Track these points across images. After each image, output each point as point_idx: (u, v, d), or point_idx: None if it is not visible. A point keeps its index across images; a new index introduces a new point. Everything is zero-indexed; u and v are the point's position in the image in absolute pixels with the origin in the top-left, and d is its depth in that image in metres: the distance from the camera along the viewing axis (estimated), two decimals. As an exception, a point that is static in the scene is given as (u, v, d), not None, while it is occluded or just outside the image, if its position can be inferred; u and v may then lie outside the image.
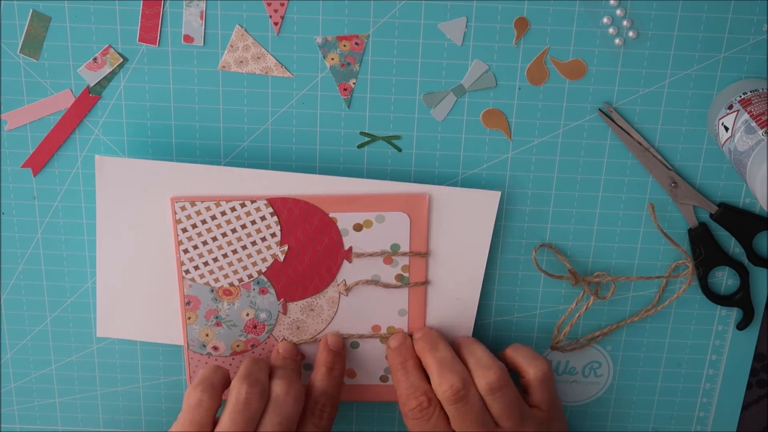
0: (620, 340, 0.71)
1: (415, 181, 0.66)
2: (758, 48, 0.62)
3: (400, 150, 0.66)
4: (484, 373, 0.63)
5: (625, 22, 0.62)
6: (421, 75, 0.63)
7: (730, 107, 0.61)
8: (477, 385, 0.63)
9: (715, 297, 0.69)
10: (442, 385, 0.63)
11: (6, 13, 0.62)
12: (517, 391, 0.64)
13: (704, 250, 0.68)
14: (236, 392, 0.62)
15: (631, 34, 0.62)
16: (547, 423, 0.65)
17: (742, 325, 0.70)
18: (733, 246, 0.68)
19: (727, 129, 0.60)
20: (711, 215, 0.67)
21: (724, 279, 0.69)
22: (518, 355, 0.67)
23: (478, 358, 0.65)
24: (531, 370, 0.65)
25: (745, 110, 0.59)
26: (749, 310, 0.69)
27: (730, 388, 0.73)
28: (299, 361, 0.69)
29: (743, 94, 0.61)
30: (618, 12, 0.62)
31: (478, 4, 0.62)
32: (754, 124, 0.58)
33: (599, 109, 0.64)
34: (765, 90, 0.61)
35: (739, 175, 0.60)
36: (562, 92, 0.64)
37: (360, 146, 0.66)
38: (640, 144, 0.65)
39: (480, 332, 0.71)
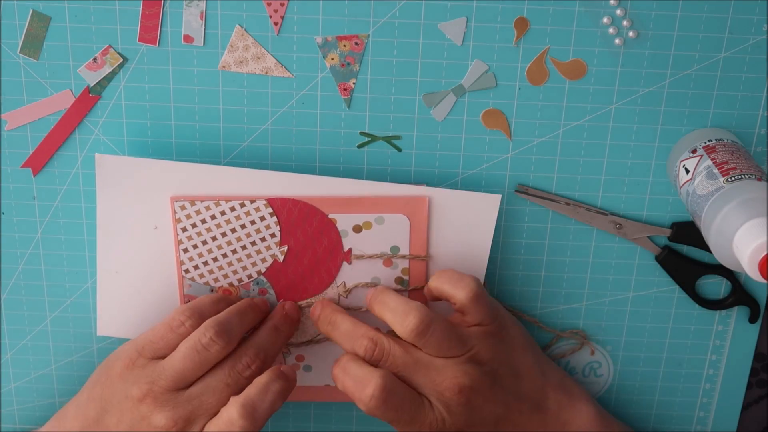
0: (620, 340, 0.71)
1: (415, 182, 0.66)
2: (758, 48, 0.62)
3: (400, 150, 0.66)
4: (403, 320, 0.60)
5: (625, 22, 0.62)
6: (421, 75, 0.63)
7: (694, 151, 0.61)
8: (401, 336, 0.60)
9: (710, 304, 0.69)
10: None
11: (6, 13, 0.62)
12: (446, 319, 0.61)
13: (681, 268, 0.68)
14: (200, 334, 0.60)
15: (631, 34, 0.62)
16: (498, 332, 0.63)
17: (753, 319, 0.70)
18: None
19: (687, 171, 0.60)
20: (669, 239, 0.67)
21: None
22: (442, 283, 0.63)
23: (393, 309, 0.61)
24: (459, 292, 0.62)
25: (709, 156, 0.60)
26: (753, 305, 0.69)
27: (730, 388, 0.73)
28: (294, 325, 0.66)
29: (708, 141, 0.61)
30: (618, 12, 0.62)
31: (478, 4, 0.62)
32: (716, 170, 0.58)
33: (516, 191, 0.65)
34: (730, 141, 0.61)
35: (693, 219, 0.60)
36: (562, 92, 0.64)
37: (360, 146, 0.66)
38: (568, 204, 0.65)
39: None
